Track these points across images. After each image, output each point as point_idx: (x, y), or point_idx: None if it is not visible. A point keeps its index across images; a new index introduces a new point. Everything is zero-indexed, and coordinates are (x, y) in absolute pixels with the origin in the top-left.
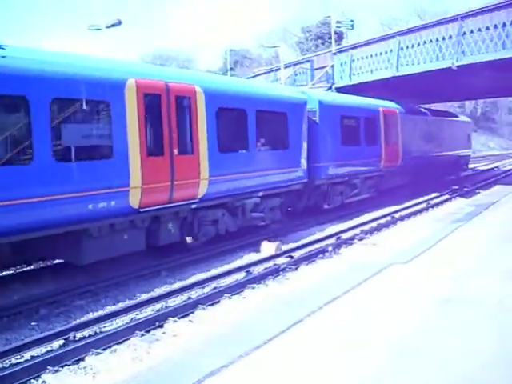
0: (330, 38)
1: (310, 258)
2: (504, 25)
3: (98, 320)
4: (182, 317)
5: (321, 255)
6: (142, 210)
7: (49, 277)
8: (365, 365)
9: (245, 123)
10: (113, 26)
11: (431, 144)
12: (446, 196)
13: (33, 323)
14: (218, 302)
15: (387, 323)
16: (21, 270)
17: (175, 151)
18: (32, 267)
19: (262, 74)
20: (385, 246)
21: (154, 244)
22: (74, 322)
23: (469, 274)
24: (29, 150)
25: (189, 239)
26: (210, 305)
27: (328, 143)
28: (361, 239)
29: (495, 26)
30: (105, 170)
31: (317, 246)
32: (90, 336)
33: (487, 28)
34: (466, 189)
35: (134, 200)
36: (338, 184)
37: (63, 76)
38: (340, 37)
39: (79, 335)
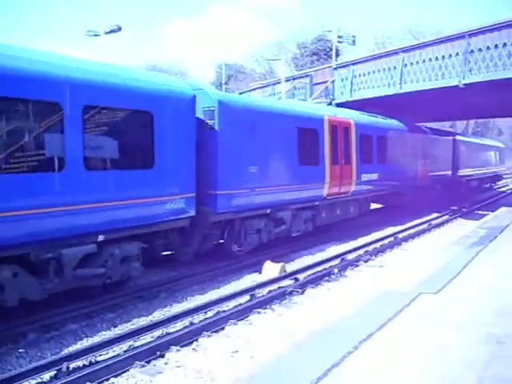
0: (326, 54)
1: (315, 281)
2: None
3: (94, 348)
4: (185, 345)
5: (326, 278)
6: None
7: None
8: None
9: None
10: (112, 31)
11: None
12: (453, 217)
13: (21, 350)
14: (223, 328)
15: (444, 374)
16: None
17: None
18: None
19: (259, 88)
20: (397, 270)
21: None
22: (67, 350)
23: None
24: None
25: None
26: (214, 331)
27: None
28: (366, 261)
29: (504, 44)
30: None
31: (321, 267)
32: (84, 367)
33: (496, 46)
34: (464, 209)
35: None
36: None
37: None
38: (336, 53)
39: (72, 365)
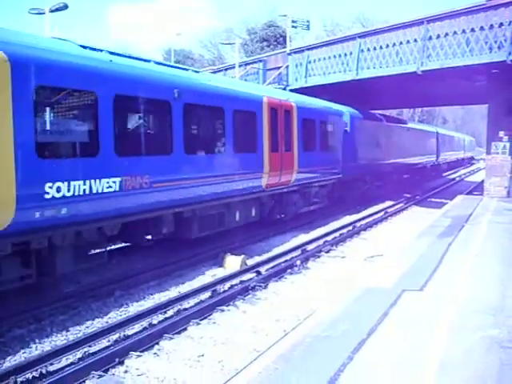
0: (276, 40)
1: (278, 274)
2: (472, 30)
3: (45, 358)
4: (146, 349)
5: (289, 270)
6: None
7: None
8: None
9: None
10: (58, 10)
11: None
12: (408, 205)
13: None
14: (185, 329)
15: None
16: None
17: None
18: None
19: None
20: (362, 262)
21: None
22: (14, 362)
23: (507, 305)
24: None
25: None
26: (176, 333)
27: None
28: (327, 251)
29: (463, 31)
30: None
31: (283, 259)
32: (34, 379)
33: (454, 33)
34: (418, 197)
35: None
36: None
37: None
38: (285, 40)
39: (21, 379)
